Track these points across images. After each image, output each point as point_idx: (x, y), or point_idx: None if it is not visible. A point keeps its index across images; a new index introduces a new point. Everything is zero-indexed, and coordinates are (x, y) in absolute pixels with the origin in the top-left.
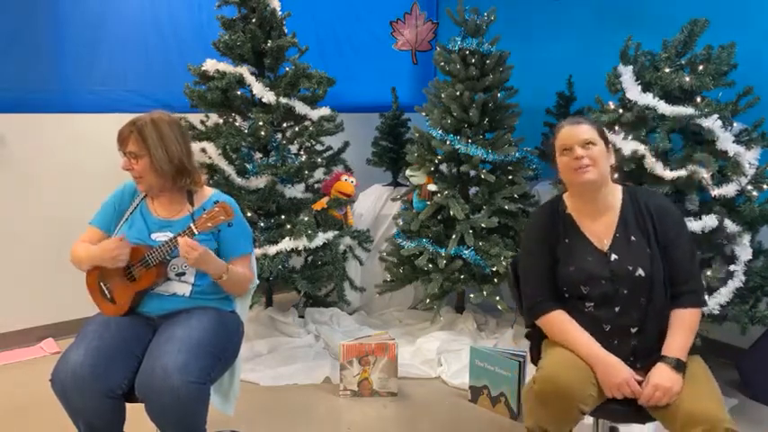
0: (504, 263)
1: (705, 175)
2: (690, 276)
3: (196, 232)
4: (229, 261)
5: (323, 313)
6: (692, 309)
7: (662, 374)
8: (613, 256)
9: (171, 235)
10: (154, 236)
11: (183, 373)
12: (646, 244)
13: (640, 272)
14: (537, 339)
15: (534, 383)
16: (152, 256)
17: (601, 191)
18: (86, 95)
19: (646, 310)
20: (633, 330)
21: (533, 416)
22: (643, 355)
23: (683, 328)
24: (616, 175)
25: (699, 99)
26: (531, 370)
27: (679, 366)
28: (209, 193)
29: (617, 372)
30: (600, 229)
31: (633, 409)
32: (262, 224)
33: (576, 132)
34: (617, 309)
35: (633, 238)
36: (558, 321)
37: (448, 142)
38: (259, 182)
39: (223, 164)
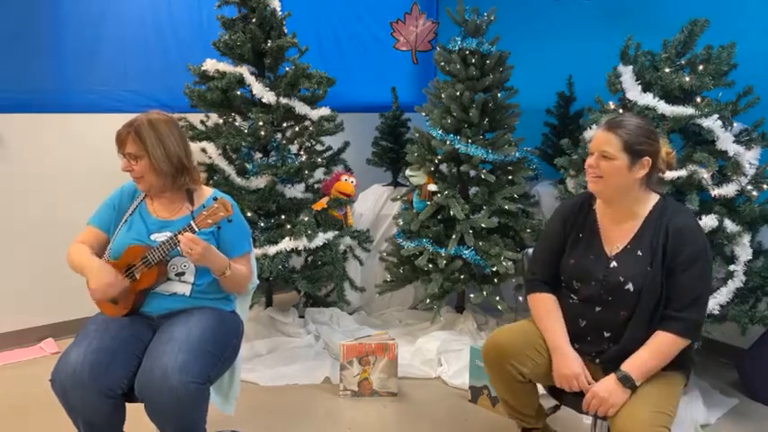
0: (504, 263)
1: (705, 175)
2: (687, 305)
3: (197, 230)
4: (230, 260)
5: (323, 313)
6: (673, 335)
7: (605, 385)
8: (613, 264)
9: (171, 235)
10: (153, 236)
11: (183, 373)
12: (648, 262)
13: (630, 286)
14: None
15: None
16: (153, 254)
17: (620, 200)
18: (86, 95)
19: (626, 323)
20: (606, 335)
21: (493, 386)
22: (608, 359)
23: (652, 349)
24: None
25: (699, 99)
26: None
27: (625, 382)
28: (208, 192)
29: (569, 364)
30: (616, 234)
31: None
32: (262, 224)
33: (599, 140)
34: (597, 309)
35: (640, 252)
36: (544, 304)
37: (448, 142)
38: (259, 182)
39: (223, 164)
